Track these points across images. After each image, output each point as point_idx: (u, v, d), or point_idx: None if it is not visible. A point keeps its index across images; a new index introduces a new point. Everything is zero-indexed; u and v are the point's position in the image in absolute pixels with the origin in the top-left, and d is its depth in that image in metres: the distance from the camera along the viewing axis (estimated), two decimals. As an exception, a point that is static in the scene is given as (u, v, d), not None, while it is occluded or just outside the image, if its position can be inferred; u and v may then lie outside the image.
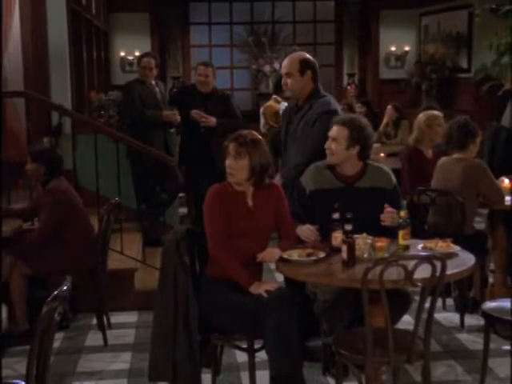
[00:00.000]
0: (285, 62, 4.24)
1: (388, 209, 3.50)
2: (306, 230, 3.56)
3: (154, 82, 6.44)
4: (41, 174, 4.57)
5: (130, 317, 5.01)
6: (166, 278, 3.40)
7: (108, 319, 4.68)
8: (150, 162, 6.00)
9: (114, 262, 5.07)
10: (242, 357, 4.00)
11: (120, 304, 5.05)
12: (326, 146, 3.69)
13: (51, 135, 6.44)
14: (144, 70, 6.36)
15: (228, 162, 3.43)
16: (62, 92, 6.75)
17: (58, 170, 4.61)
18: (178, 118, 6.34)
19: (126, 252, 5.33)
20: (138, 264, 5.39)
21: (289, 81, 4.17)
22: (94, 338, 4.59)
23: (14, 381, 3.00)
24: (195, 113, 6.19)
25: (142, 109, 6.22)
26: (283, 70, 4.22)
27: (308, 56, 4.26)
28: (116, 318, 4.90)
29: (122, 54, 11.45)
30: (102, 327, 4.53)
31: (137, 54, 10.61)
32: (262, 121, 8.07)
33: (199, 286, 3.43)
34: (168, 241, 3.45)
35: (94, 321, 4.72)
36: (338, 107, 4.28)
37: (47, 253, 4.43)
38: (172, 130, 6.60)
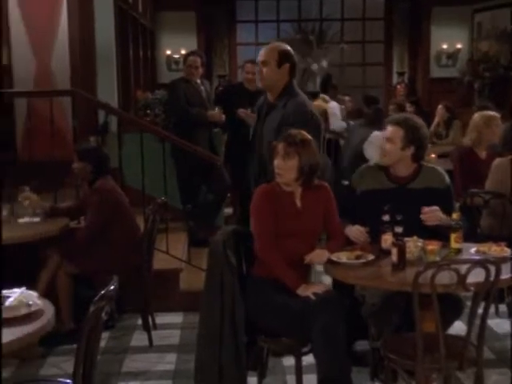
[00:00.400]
0: (262, 51, 4.06)
1: (425, 208, 3.46)
2: (356, 231, 3.54)
3: (199, 81, 6.49)
4: (87, 173, 4.65)
5: (176, 317, 5.06)
6: (213, 278, 3.42)
7: (153, 320, 4.73)
8: (195, 162, 6.04)
9: (160, 262, 5.12)
10: (288, 360, 4.00)
11: (165, 304, 5.10)
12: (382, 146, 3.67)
13: (97, 134, 6.54)
14: (190, 68, 6.41)
15: (277, 161, 3.44)
16: (108, 90, 6.86)
17: (104, 169, 4.68)
18: (223, 117, 6.37)
19: (172, 252, 5.38)
20: (184, 264, 5.43)
21: (264, 69, 3.98)
22: (139, 339, 4.65)
23: (61, 379, 3.06)
24: (241, 112, 6.21)
25: (188, 107, 6.27)
26: (259, 58, 4.04)
27: (289, 49, 4.07)
28: (161, 318, 4.95)
29: (168, 52, 11.57)
30: (147, 328, 4.58)
31: (183, 52, 10.70)
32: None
33: (246, 287, 3.44)
34: (215, 241, 3.47)
35: (140, 321, 4.77)
36: (314, 108, 4.11)
37: (93, 252, 4.50)
38: (217, 130, 6.64)
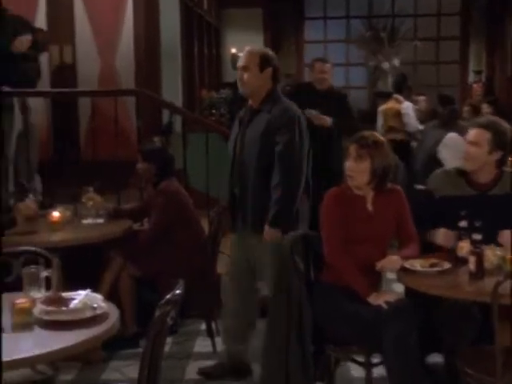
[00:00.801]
0: (242, 55, 4.00)
1: (504, 234, 3.37)
2: (445, 234, 3.46)
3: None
4: (152, 174, 4.71)
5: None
6: (280, 284, 3.42)
7: (217, 325, 4.75)
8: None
9: (224, 266, 5.14)
10: (357, 371, 3.96)
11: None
12: (465, 150, 3.59)
13: (162, 134, 6.63)
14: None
15: (348, 164, 3.41)
16: (173, 89, 6.95)
17: (169, 170, 4.73)
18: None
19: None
20: (248, 269, 5.43)
21: (245, 75, 3.92)
22: (202, 345, 4.68)
23: (124, 384, 3.12)
24: (310, 112, 6.19)
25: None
26: (239, 63, 3.98)
27: (270, 52, 4.03)
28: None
29: (234, 50, 11.64)
30: (210, 333, 4.61)
31: (248, 50, 10.74)
32: (380, 121, 7.97)
33: (314, 293, 3.43)
34: (282, 246, 3.47)
35: (203, 326, 4.81)
36: (300, 113, 4.00)
37: (157, 254, 4.56)
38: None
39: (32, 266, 2.94)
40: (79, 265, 4.22)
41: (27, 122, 5.69)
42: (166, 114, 6.74)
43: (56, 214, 4.53)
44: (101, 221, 4.78)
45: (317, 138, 6.20)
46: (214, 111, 7.04)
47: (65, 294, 2.82)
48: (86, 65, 7.05)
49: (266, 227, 3.80)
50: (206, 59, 9.06)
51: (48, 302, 2.73)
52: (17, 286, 3.07)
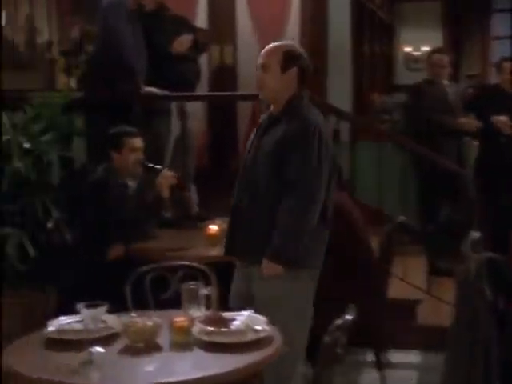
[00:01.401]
0: (262, 51, 3.63)
1: None
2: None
3: (446, 83, 6.37)
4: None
5: (412, 356, 4.98)
6: (462, 314, 3.33)
7: (386, 357, 4.69)
8: (440, 175, 5.93)
9: (394, 290, 5.07)
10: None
11: (400, 340, 5.04)
12: None
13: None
14: (435, 68, 6.33)
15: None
16: (340, 93, 6.95)
17: (337, 184, 4.73)
18: (477, 125, 6.18)
19: (409, 279, 5.31)
20: (422, 295, 5.34)
21: (264, 76, 3.57)
22: (369, 377, 4.64)
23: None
24: (497, 119, 6.00)
25: (432, 113, 6.18)
26: (258, 61, 3.61)
27: (296, 48, 3.68)
28: (395, 356, 4.90)
29: (407, 49, 11.49)
30: (379, 365, 4.55)
31: (424, 49, 10.58)
32: None
33: (503, 325, 3.31)
34: (464, 271, 3.38)
35: (369, 357, 4.76)
36: (323, 124, 3.63)
37: (321, 274, 4.56)
38: (467, 139, 6.48)
39: (191, 283, 3.04)
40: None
41: (185, 126, 5.91)
42: (332, 121, 6.74)
43: (213, 227, 4.65)
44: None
45: (506, 151, 6.04)
46: (385, 117, 6.99)
47: (226, 314, 2.89)
48: (247, 66, 7.19)
49: (265, 261, 3.49)
50: (377, 59, 9.02)
51: (208, 321, 2.81)
52: (173, 303, 3.20)
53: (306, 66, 3.63)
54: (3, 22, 5.68)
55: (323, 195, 3.52)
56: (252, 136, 3.74)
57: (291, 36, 6.99)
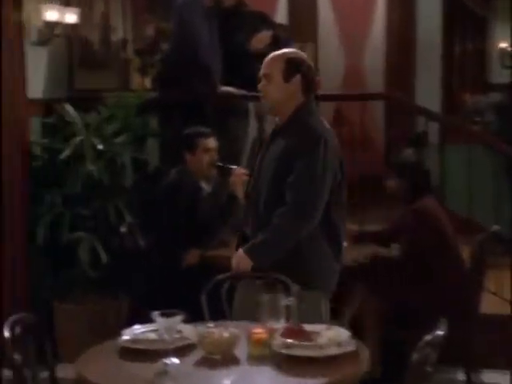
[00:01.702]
0: (264, 61, 3.68)
1: None
2: None
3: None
4: (404, 192, 4.70)
5: (504, 378, 4.87)
6: None
7: (478, 377, 4.62)
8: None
9: (486, 304, 4.98)
10: None
11: (493, 358, 4.94)
12: None
13: (415, 145, 6.59)
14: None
15: None
16: (429, 93, 6.88)
17: (425, 188, 4.69)
18: None
19: (503, 294, 5.20)
20: (517, 311, 5.23)
21: (267, 87, 3.62)
22: (458, 399, 4.58)
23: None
24: None
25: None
26: (261, 70, 3.67)
27: (300, 55, 3.69)
28: (488, 376, 4.81)
29: (503, 45, 11.26)
30: (470, 386, 4.49)
31: (520, 44, 10.36)
32: None
33: None
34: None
35: (461, 376, 4.68)
36: (329, 134, 3.59)
37: (407, 286, 4.52)
38: None
39: (271, 293, 3.04)
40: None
41: (262, 129, 5.92)
42: (419, 122, 6.68)
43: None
44: (344, 245, 4.84)
45: None
46: (478, 118, 6.87)
47: (307, 327, 2.88)
48: (328, 65, 7.20)
49: (240, 250, 3.58)
50: (469, 56, 8.87)
51: (288, 333, 2.81)
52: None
53: (311, 73, 3.65)
54: (78, 20, 5.79)
55: (319, 214, 3.50)
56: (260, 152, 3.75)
57: (376, 33, 6.95)
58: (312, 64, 3.72)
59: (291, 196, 3.49)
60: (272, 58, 3.66)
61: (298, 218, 3.49)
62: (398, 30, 6.79)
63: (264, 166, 3.63)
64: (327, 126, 3.65)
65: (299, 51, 3.77)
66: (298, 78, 3.59)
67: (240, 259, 3.56)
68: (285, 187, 3.50)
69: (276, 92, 3.60)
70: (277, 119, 3.69)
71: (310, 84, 3.64)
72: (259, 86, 3.65)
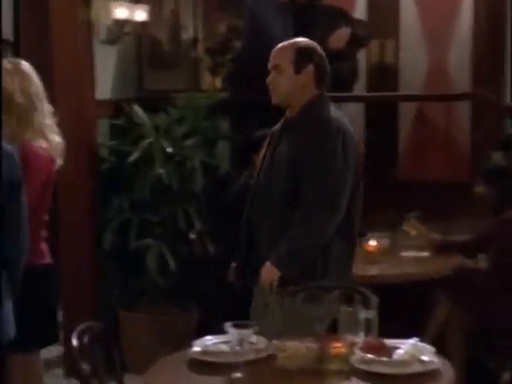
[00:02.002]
0: (274, 51, 3.66)
1: None
2: None
3: None
4: (493, 200, 4.63)
5: None
6: None
7: None
8: None
9: None
10: None
11: None
12: None
13: (505, 149, 6.46)
14: None
15: None
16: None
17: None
18: None
19: None
20: None
21: (277, 78, 3.58)
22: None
23: None
24: None
25: None
26: (270, 62, 3.64)
27: (312, 45, 3.65)
28: None
29: None
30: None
31: None
32: None
33: None
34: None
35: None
36: (348, 126, 3.54)
37: (498, 302, 4.44)
38: None
39: (350, 305, 3.03)
40: (397, 306, 4.28)
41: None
42: (509, 123, 6.56)
43: (372, 243, 4.64)
44: (425, 254, 4.82)
45: None
46: None
47: (388, 342, 2.86)
48: (410, 62, 7.11)
49: (268, 263, 3.49)
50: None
51: (367, 348, 2.80)
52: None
53: (324, 63, 3.62)
54: (147, 18, 5.86)
55: (345, 206, 3.49)
56: (264, 149, 3.74)
57: (462, 28, 6.86)
58: (324, 54, 3.68)
59: (311, 190, 3.46)
60: (281, 48, 3.64)
61: (322, 211, 3.46)
62: (487, 24, 6.66)
63: (276, 162, 3.60)
64: (345, 120, 3.61)
65: (311, 42, 3.72)
66: (309, 68, 3.57)
67: (268, 271, 3.50)
68: (302, 183, 3.48)
69: (286, 84, 3.57)
70: (287, 113, 3.67)
71: (323, 75, 3.61)
72: (268, 79, 3.61)
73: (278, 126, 3.74)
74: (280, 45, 3.68)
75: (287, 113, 3.67)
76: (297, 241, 3.47)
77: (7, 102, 3.51)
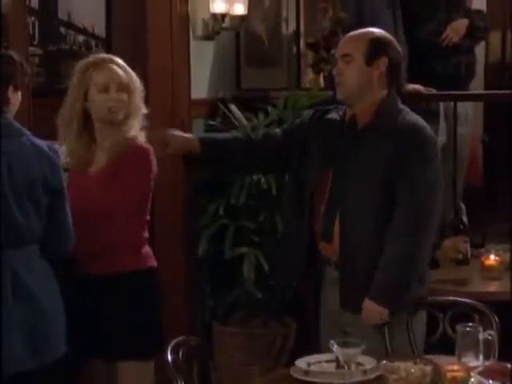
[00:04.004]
0: (343, 39, 3.57)
1: None
2: None
3: None
4: None
5: None
6: None
7: None
8: None
9: None
10: None
11: None
12: None
13: None
14: None
15: None
16: None
17: None
18: None
19: None
20: None
21: (345, 69, 3.46)
22: None
23: None
24: None
25: None
26: (338, 51, 3.52)
27: (387, 35, 3.55)
28: None
29: None
30: None
31: None
32: None
33: None
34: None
35: None
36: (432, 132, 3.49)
37: None
38: None
39: (467, 324, 2.96)
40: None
41: (454, 132, 5.79)
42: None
43: (492, 257, 4.56)
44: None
45: None
46: None
47: (510, 366, 2.79)
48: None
49: (367, 301, 3.36)
50: None
51: (488, 373, 2.74)
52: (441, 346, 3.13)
53: (398, 58, 3.54)
54: (246, 12, 5.86)
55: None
56: (316, 160, 3.59)
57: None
58: (400, 49, 3.60)
59: (411, 205, 3.35)
60: (353, 37, 3.56)
61: (423, 228, 3.37)
62: None
63: (355, 170, 3.46)
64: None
65: (385, 32, 3.64)
66: (383, 61, 3.48)
67: (371, 310, 3.38)
68: (396, 196, 3.38)
69: (356, 76, 3.47)
70: (346, 112, 3.57)
71: (396, 71, 3.54)
72: (335, 69, 3.53)
73: (332, 131, 3.60)
74: (351, 33, 3.61)
75: (349, 113, 3.56)
76: (398, 263, 3.36)
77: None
